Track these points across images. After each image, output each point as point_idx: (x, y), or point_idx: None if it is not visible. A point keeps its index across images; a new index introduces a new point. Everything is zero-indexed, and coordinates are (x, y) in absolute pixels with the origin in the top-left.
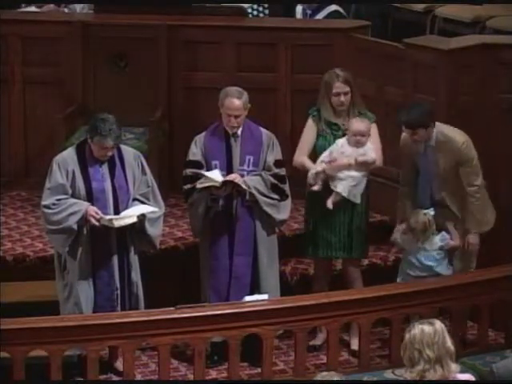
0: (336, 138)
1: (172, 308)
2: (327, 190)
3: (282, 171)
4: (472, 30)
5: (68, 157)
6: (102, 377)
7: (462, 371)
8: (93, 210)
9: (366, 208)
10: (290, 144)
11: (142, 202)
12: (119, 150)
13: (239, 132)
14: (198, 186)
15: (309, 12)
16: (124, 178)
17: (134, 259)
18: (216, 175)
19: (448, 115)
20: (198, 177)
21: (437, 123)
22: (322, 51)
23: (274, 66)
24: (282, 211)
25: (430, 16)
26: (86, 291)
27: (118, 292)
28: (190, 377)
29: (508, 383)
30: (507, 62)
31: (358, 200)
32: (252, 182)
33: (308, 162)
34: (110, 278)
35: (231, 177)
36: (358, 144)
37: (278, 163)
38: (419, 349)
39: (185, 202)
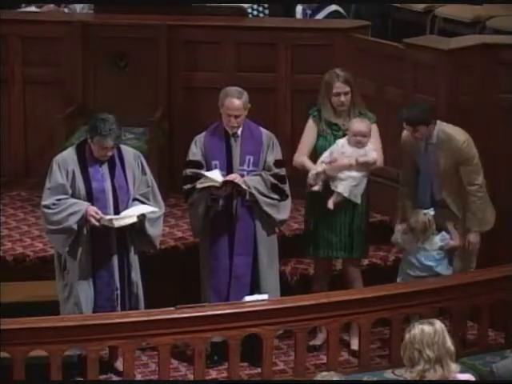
0: (336, 138)
1: (172, 308)
2: (327, 191)
3: (282, 171)
4: (472, 29)
5: (68, 157)
6: (102, 377)
7: (462, 371)
8: (93, 210)
9: (367, 208)
10: (290, 144)
11: (142, 202)
12: (119, 150)
13: (239, 132)
14: (198, 185)
15: (309, 12)
16: (124, 177)
17: (134, 259)
18: (216, 175)
19: (448, 115)
20: (198, 177)
21: (438, 121)
22: (322, 51)
23: (274, 66)
24: (282, 211)
25: (430, 16)
26: (85, 291)
27: (118, 292)
28: (190, 377)
29: (508, 383)
30: (507, 61)
31: (358, 200)
32: (252, 182)
33: (308, 163)
34: (110, 278)
35: (231, 177)
36: (359, 144)
37: (278, 163)
38: (419, 349)
39: (185, 201)
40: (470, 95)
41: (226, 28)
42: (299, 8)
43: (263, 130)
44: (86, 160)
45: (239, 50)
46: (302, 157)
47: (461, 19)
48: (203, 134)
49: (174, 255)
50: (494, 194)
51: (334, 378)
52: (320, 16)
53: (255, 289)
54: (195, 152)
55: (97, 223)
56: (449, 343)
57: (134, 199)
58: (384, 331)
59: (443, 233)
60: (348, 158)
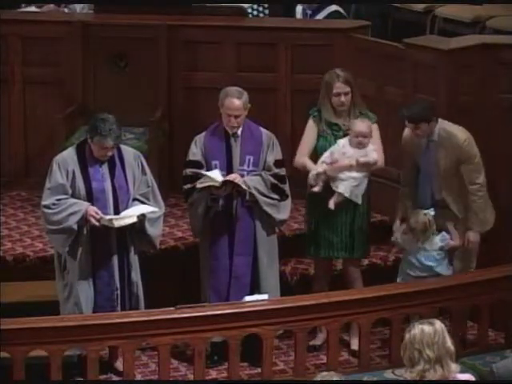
0: (337, 138)
1: (172, 308)
2: (328, 191)
3: (282, 171)
4: (472, 30)
5: (68, 157)
6: (102, 377)
7: (462, 371)
8: (93, 209)
9: (368, 208)
10: (290, 144)
11: (142, 202)
12: (119, 150)
13: (239, 132)
14: (198, 185)
15: (309, 12)
16: (124, 178)
17: (134, 259)
18: (216, 175)
19: (448, 115)
20: (198, 177)
21: (439, 119)
22: (322, 51)
23: (274, 66)
24: (282, 211)
25: (430, 16)
26: (86, 291)
27: (118, 292)
28: (190, 377)
29: (508, 383)
30: (507, 61)
31: (359, 200)
32: (252, 182)
33: (309, 163)
34: (110, 278)
35: (231, 177)
36: (360, 145)
37: (277, 163)
38: (419, 349)
39: (185, 201)
40: (470, 95)
41: (226, 28)
42: (299, 8)
43: (263, 130)
44: (86, 160)
45: (239, 50)
46: (302, 157)
47: (461, 19)
48: (203, 134)
49: (174, 255)
50: (493, 194)
51: (334, 378)
52: (320, 16)
53: (255, 289)
54: (195, 152)
55: (97, 223)
56: (449, 343)
57: (134, 199)
58: (384, 331)
59: (443, 233)
60: (349, 158)
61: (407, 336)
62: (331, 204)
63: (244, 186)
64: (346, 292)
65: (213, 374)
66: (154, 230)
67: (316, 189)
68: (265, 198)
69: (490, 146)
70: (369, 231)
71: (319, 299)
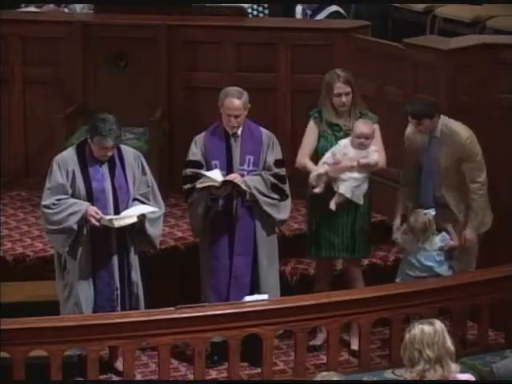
0: (337, 138)
1: (172, 308)
2: (329, 192)
3: (282, 171)
4: (472, 30)
5: (68, 157)
6: (102, 377)
7: (462, 371)
8: (93, 210)
9: (369, 209)
10: (290, 144)
11: (142, 202)
12: (119, 150)
13: (239, 132)
14: (198, 185)
15: (309, 12)
16: (124, 178)
17: (134, 259)
18: (216, 175)
19: (448, 115)
20: (198, 177)
21: (442, 116)
22: (322, 51)
23: (274, 66)
24: (282, 211)
25: (430, 16)
26: (86, 291)
27: (118, 292)
28: (190, 377)
29: (508, 383)
30: (507, 61)
31: (361, 201)
32: (252, 182)
33: (310, 164)
34: (110, 278)
35: (231, 177)
36: (362, 146)
37: (278, 163)
38: (419, 349)
39: (185, 201)
40: (470, 95)
41: (226, 28)
42: (299, 8)
43: (263, 129)
44: (86, 160)
45: (239, 50)
46: (303, 158)
47: (461, 19)
48: (203, 133)
49: (174, 255)
50: (493, 194)
51: (334, 378)
52: (320, 17)
53: (255, 289)
54: (195, 152)
55: (97, 223)
56: (449, 343)
57: (134, 199)
58: (384, 331)
59: (443, 233)
60: (350, 159)
61: (407, 336)
62: (332, 205)
63: (244, 186)
64: (346, 292)
65: (213, 373)
66: (154, 230)
67: (317, 190)
68: (265, 198)
69: (490, 145)
70: (370, 231)
71: (319, 299)
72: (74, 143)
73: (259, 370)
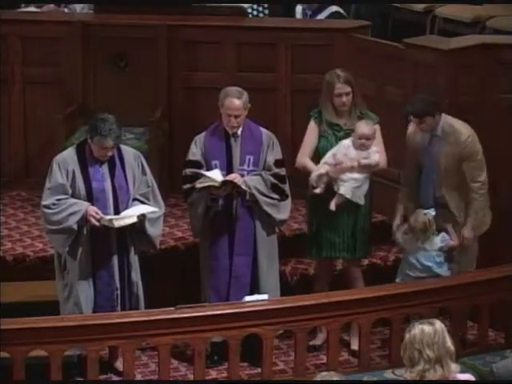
0: (337, 138)
1: (172, 308)
2: (330, 192)
3: (282, 171)
4: (472, 30)
5: (68, 157)
6: (102, 377)
7: (462, 371)
8: (93, 210)
9: (370, 209)
10: (290, 144)
11: (142, 202)
12: (119, 150)
13: (239, 132)
14: (198, 185)
15: (309, 13)
16: (124, 178)
17: (134, 259)
18: (216, 175)
19: (448, 115)
20: (198, 177)
21: (443, 114)
22: (322, 51)
23: (274, 66)
24: (282, 211)
25: (430, 16)
26: (86, 291)
27: (118, 292)
28: (190, 377)
29: (508, 383)
30: (507, 61)
31: (362, 201)
32: (252, 182)
33: (310, 164)
34: (110, 278)
35: (231, 177)
36: (363, 147)
37: (278, 163)
38: (419, 349)
39: (184, 201)
40: (470, 95)
41: (226, 28)
42: (299, 9)
43: (263, 129)
44: (86, 160)
45: (239, 50)
46: (304, 158)
47: (461, 19)
48: (203, 133)
49: (174, 255)
50: (493, 194)
51: (334, 378)
52: (320, 17)
53: (255, 289)
54: (195, 152)
55: (97, 223)
56: (449, 343)
57: (134, 199)
58: (384, 331)
59: (443, 234)
60: (351, 159)
61: (407, 336)
62: (332, 205)
63: (244, 186)
64: (346, 292)
65: (213, 373)
66: (154, 230)
67: (318, 190)
68: (265, 198)
69: (490, 145)
70: (370, 231)
71: (319, 299)
72: (74, 143)
73: (259, 370)
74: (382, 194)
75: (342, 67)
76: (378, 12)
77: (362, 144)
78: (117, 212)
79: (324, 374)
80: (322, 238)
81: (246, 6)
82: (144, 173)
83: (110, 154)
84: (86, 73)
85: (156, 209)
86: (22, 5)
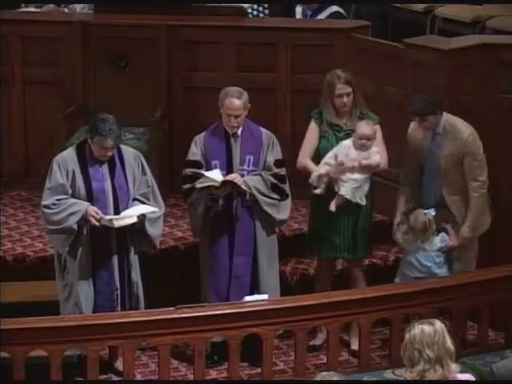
0: (338, 138)
1: (172, 308)
2: (330, 193)
3: (282, 171)
4: (472, 30)
5: (68, 157)
6: (102, 377)
7: (462, 371)
8: (93, 210)
9: (371, 209)
10: (290, 144)
11: (142, 202)
12: (119, 150)
13: (239, 132)
14: (198, 185)
15: (309, 13)
16: (124, 178)
17: (134, 259)
18: (216, 175)
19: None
20: (198, 176)
21: (444, 113)
22: (322, 51)
23: (274, 66)
24: (282, 211)
25: (430, 16)
26: (86, 291)
27: (118, 292)
28: (190, 377)
29: (508, 383)
30: (507, 61)
31: (363, 202)
32: (252, 182)
33: (311, 164)
34: (110, 278)
35: (231, 176)
36: (363, 147)
37: (278, 163)
38: (419, 349)
39: (184, 201)
40: (470, 95)
41: (226, 28)
42: (299, 9)
43: (263, 129)
44: (86, 160)
45: (239, 50)
46: (304, 159)
47: (461, 19)
48: (203, 133)
49: (174, 255)
50: (493, 194)
51: (334, 378)
52: (320, 17)
53: (255, 289)
54: (195, 152)
55: (97, 223)
56: (449, 343)
57: (134, 199)
58: (384, 331)
59: (443, 234)
60: (352, 160)
61: (407, 336)
62: (332, 206)
63: (244, 186)
64: (346, 292)
65: (213, 373)
66: (154, 230)
67: (318, 191)
68: (265, 198)
69: (490, 145)
70: (371, 231)
71: (319, 299)
72: (74, 143)
73: (259, 370)
74: (382, 194)
75: (342, 67)
76: (378, 12)
77: (363, 144)
78: (117, 212)
79: (324, 373)
80: (322, 239)
81: (246, 5)
82: (144, 173)
83: (110, 153)
84: (86, 73)
85: (156, 209)
86: (22, 5)
